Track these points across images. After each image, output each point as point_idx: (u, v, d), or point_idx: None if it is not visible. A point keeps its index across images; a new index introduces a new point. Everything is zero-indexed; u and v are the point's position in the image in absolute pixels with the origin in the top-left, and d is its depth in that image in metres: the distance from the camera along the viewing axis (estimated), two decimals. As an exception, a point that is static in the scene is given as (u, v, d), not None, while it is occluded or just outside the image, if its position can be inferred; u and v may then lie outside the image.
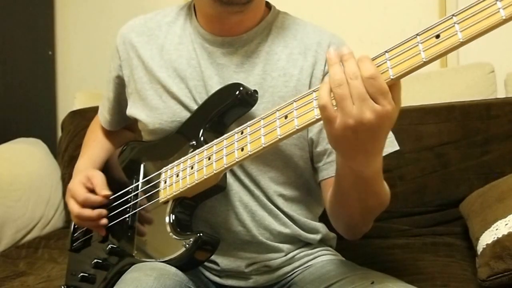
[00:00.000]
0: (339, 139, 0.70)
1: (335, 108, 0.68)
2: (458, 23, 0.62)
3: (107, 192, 1.01)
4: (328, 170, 0.96)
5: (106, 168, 1.15)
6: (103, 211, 1.01)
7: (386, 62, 0.68)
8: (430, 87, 1.59)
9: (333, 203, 0.90)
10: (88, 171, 1.06)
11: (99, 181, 1.03)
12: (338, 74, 0.68)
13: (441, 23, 0.64)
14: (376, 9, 1.85)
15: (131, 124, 1.22)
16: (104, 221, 1.01)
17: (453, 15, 0.63)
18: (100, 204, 1.01)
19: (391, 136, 0.94)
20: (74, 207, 1.01)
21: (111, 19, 2.24)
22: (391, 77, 0.67)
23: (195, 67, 1.00)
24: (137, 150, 1.08)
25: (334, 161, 0.94)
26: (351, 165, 0.76)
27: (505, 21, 0.59)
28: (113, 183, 1.08)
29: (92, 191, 1.02)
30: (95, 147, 1.18)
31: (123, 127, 1.22)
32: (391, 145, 0.94)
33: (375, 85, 0.66)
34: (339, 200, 0.87)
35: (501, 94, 1.63)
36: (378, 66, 0.68)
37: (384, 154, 0.88)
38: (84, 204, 1.00)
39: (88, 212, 1.00)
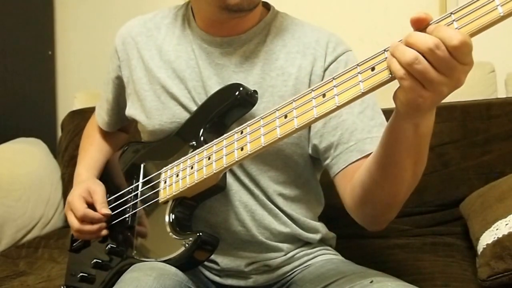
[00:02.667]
0: (422, 106, 0.65)
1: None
2: (456, 21, 0.62)
3: (106, 211, 1.01)
4: (338, 163, 0.93)
5: (106, 168, 1.15)
6: (103, 225, 1.02)
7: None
8: (431, 87, 1.59)
9: (374, 183, 0.82)
10: (90, 184, 1.06)
11: (100, 197, 1.03)
12: (408, 52, 0.62)
13: (439, 21, 0.64)
14: (376, 9, 1.85)
15: (127, 125, 1.22)
16: (104, 232, 1.02)
17: (451, 13, 0.63)
18: (99, 220, 1.01)
19: None
20: (74, 222, 1.01)
21: (111, 19, 2.23)
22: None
23: (193, 67, 1.00)
24: (137, 150, 1.08)
25: (342, 152, 0.92)
26: (418, 119, 0.70)
27: (502, 18, 0.59)
28: (113, 184, 1.09)
29: (91, 205, 1.02)
30: (93, 150, 1.18)
31: (118, 128, 1.22)
32: None
33: (464, 52, 0.61)
34: (387, 175, 0.79)
35: (501, 94, 1.63)
36: (378, 65, 0.67)
37: None
38: (83, 220, 1.01)
39: (88, 227, 1.01)
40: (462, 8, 0.62)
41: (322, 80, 0.97)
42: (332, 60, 0.98)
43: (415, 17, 0.64)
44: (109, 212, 1.01)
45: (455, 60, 0.61)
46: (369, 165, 0.82)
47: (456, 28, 0.62)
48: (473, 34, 0.61)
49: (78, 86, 2.29)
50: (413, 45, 0.62)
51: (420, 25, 0.64)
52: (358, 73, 0.70)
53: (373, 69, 0.68)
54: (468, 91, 1.56)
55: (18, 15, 2.18)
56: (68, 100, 2.23)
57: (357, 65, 0.70)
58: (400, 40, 0.65)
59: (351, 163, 0.91)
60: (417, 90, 0.63)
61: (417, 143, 0.74)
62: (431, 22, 0.64)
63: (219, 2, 0.92)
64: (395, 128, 0.74)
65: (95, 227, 1.01)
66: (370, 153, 0.85)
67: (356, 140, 0.92)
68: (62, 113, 2.27)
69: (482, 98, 1.54)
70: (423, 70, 0.61)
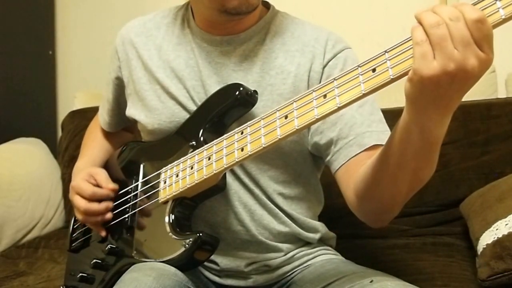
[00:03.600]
0: (428, 85, 0.63)
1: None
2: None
3: (113, 185, 1.01)
4: (338, 159, 0.93)
5: (106, 168, 1.15)
6: (110, 204, 1.01)
7: (386, 62, 0.67)
8: (431, 87, 1.59)
9: (375, 181, 0.81)
10: (90, 169, 1.06)
11: (103, 177, 1.03)
12: (433, 16, 0.62)
13: None
14: (377, 9, 1.85)
15: (130, 125, 1.22)
16: (109, 214, 1.01)
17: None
18: (107, 197, 1.01)
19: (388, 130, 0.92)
20: (81, 203, 1.00)
21: (111, 18, 2.23)
22: (391, 76, 0.65)
23: (193, 67, 1.00)
24: (136, 150, 1.08)
25: (342, 147, 0.92)
26: (425, 123, 0.69)
27: (504, 20, 0.59)
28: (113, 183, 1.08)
29: (96, 187, 1.02)
30: (95, 147, 1.18)
31: (122, 128, 1.22)
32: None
33: (482, 30, 0.60)
34: (389, 174, 0.78)
35: (501, 94, 1.63)
36: (378, 66, 0.67)
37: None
38: (92, 199, 1.00)
39: (95, 206, 1.00)
40: None
41: (321, 77, 0.97)
42: (330, 57, 0.98)
43: None
44: (115, 186, 1.02)
45: (471, 37, 0.61)
46: (373, 162, 0.81)
47: None
48: None
49: (79, 86, 2.29)
50: (438, 13, 0.62)
51: None
52: (359, 74, 0.70)
53: (374, 70, 0.68)
54: (469, 91, 1.56)
55: (19, 15, 2.18)
56: (69, 100, 2.23)
57: (358, 66, 0.70)
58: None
59: (351, 158, 0.91)
60: (427, 58, 0.62)
61: (422, 148, 0.72)
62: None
63: (217, 5, 0.92)
64: (401, 129, 0.73)
65: (102, 206, 1.00)
66: (370, 147, 0.85)
67: (355, 134, 0.91)
68: (62, 113, 2.27)
69: (482, 98, 1.54)
70: (441, 35, 0.61)
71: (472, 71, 0.61)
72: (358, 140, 0.91)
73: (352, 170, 0.89)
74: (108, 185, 1.01)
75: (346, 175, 0.91)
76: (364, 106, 0.93)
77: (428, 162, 0.76)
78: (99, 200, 1.01)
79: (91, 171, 1.05)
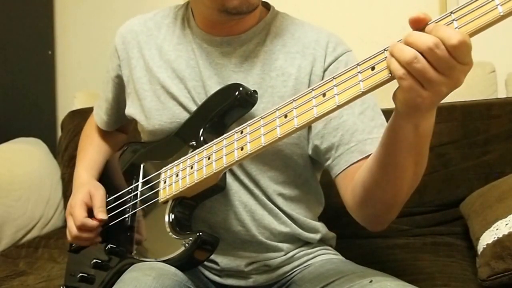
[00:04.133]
0: (421, 106, 0.64)
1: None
2: (456, 20, 0.62)
3: (103, 216, 1.01)
4: (339, 164, 0.93)
5: (106, 169, 1.15)
6: (99, 230, 1.02)
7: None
8: (431, 87, 1.59)
9: (375, 183, 0.82)
10: (91, 188, 1.06)
11: (98, 202, 1.03)
12: (407, 51, 0.61)
13: (439, 20, 0.64)
14: (376, 9, 1.85)
15: (125, 125, 1.23)
16: (98, 239, 1.03)
17: (451, 12, 0.63)
18: (97, 228, 1.02)
19: None
20: (72, 229, 1.02)
21: (110, 18, 2.23)
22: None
23: (193, 67, 1.00)
24: (137, 150, 1.08)
25: (343, 153, 0.92)
26: (417, 120, 0.70)
27: (502, 17, 0.59)
28: (113, 184, 1.09)
29: (91, 209, 1.03)
30: (92, 151, 1.17)
31: (116, 129, 1.22)
32: None
33: (464, 51, 0.60)
34: (388, 175, 0.79)
35: (501, 94, 1.63)
36: (377, 64, 0.67)
37: None
38: (81, 229, 1.01)
39: (85, 235, 1.01)
40: (462, 8, 0.62)
41: (321, 80, 0.97)
42: (332, 61, 0.98)
43: (413, 17, 0.64)
44: (105, 217, 1.01)
45: (454, 60, 0.61)
46: (370, 165, 0.82)
47: (456, 28, 0.62)
48: (473, 34, 0.62)
49: (78, 86, 2.29)
50: (412, 44, 0.62)
51: (419, 25, 0.64)
52: (358, 72, 0.70)
53: (373, 68, 0.68)
54: (469, 91, 1.56)
55: (18, 14, 2.18)
56: (68, 100, 2.23)
57: (357, 64, 0.70)
58: (400, 40, 0.65)
59: (352, 164, 0.91)
60: (416, 90, 0.63)
61: (417, 143, 0.74)
62: (429, 22, 0.64)
63: (217, 5, 0.92)
64: (395, 128, 0.74)
65: (92, 235, 1.02)
66: (370, 154, 0.85)
67: (357, 141, 0.92)
68: (62, 113, 2.27)
69: (482, 98, 1.54)
70: (422, 69, 0.61)
71: (461, 82, 0.64)
72: (360, 147, 0.91)
73: (351, 176, 0.90)
74: (98, 214, 1.01)
75: (345, 180, 0.92)
76: (366, 112, 0.94)
77: (421, 157, 0.77)
78: (90, 230, 1.02)
79: (90, 191, 1.05)
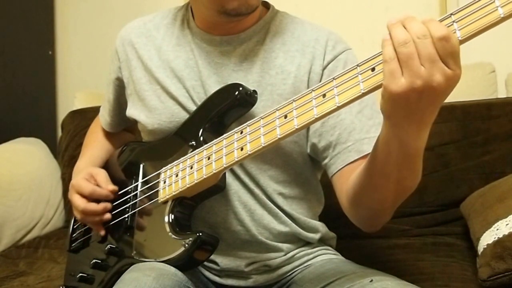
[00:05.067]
0: (398, 101, 0.66)
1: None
2: (456, 22, 0.62)
3: (112, 187, 1.01)
4: (336, 163, 0.94)
5: (105, 168, 1.15)
6: (108, 205, 1.01)
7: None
8: (431, 87, 1.59)
9: (364, 189, 0.84)
10: (91, 169, 1.06)
11: (103, 177, 1.03)
12: (402, 33, 0.64)
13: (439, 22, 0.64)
14: (377, 9, 1.85)
15: (131, 126, 1.22)
16: (108, 215, 1.01)
17: (451, 14, 0.63)
18: (106, 198, 1.01)
19: None
20: (80, 202, 1.00)
21: (111, 18, 2.24)
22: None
23: (192, 67, 1.00)
24: (136, 150, 1.08)
25: (340, 152, 0.93)
26: (402, 137, 0.71)
27: (503, 19, 0.59)
28: (113, 183, 1.08)
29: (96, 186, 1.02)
30: (95, 147, 1.18)
31: (123, 129, 1.22)
32: None
33: (446, 47, 0.62)
34: (374, 183, 0.81)
35: (502, 94, 1.63)
36: (378, 65, 0.67)
37: None
38: (91, 197, 1.00)
39: (93, 206, 1.00)
40: (463, 9, 0.62)
41: (321, 78, 0.97)
42: (331, 59, 0.98)
43: None
44: (115, 187, 1.01)
45: (437, 54, 0.63)
46: (360, 170, 0.83)
47: (456, 29, 0.62)
48: (473, 36, 0.62)
49: (78, 86, 2.29)
50: (408, 29, 0.65)
51: None
52: (358, 73, 0.70)
53: (373, 69, 0.69)
54: (469, 91, 1.56)
55: (18, 15, 2.18)
56: (68, 100, 2.23)
57: (357, 65, 0.70)
58: (398, 21, 0.67)
59: (349, 163, 0.92)
60: (395, 75, 0.64)
61: (403, 159, 0.75)
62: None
63: (217, 7, 0.92)
64: (382, 141, 0.75)
65: (100, 206, 1.00)
66: (368, 154, 0.85)
67: (354, 140, 0.92)
68: (62, 113, 2.27)
69: (482, 98, 1.54)
70: (408, 53, 0.63)
71: (438, 87, 0.63)
72: (357, 146, 0.91)
73: (347, 176, 0.90)
74: (108, 186, 1.01)
75: (341, 180, 0.92)
76: (364, 111, 0.94)
77: (410, 172, 0.78)
78: (98, 200, 1.01)
79: (91, 171, 1.05)
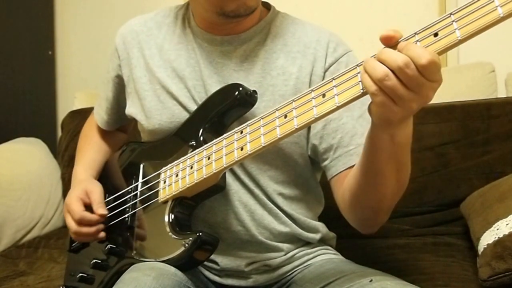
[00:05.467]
0: (393, 120, 0.68)
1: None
2: (456, 21, 0.62)
3: (103, 211, 1.01)
4: (337, 166, 0.94)
5: (106, 169, 1.15)
6: (101, 226, 1.02)
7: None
8: (431, 87, 1.59)
9: (361, 188, 0.85)
10: (87, 184, 1.06)
11: (97, 197, 1.02)
12: (379, 68, 0.64)
13: (439, 22, 0.64)
14: (376, 9, 1.85)
15: (125, 125, 1.22)
16: (101, 235, 1.02)
17: (451, 13, 0.63)
18: (97, 222, 1.01)
19: None
20: (72, 225, 1.01)
21: (111, 18, 2.23)
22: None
23: (194, 66, 1.00)
24: (136, 150, 1.08)
25: (342, 155, 0.93)
26: (393, 133, 0.73)
27: (502, 18, 0.59)
28: (113, 184, 1.08)
29: (89, 206, 1.02)
30: (91, 150, 1.17)
31: (116, 128, 1.22)
32: None
33: (433, 70, 0.63)
34: (372, 181, 0.82)
35: (501, 93, 1.63)
36: None
37: None
38: (80, 223, 1.00)
39: (85, 229, 1.01)
40: (462, 9, 0.62)
41: (322, 80, 0.97)
42: (332, 62, 0.98)
43: (384, 34, 0.67)
44: (105, 212, 1.01)
45: (423, 78, 0.64)
46: (355, 171, 0.85)
47: (456, 29, 0.62)
48: (473, 35, 0.62)
49: (78, 86, 2.29)
50: (384, 62, 0.65)
51: (390, 42, 0.67)
52: (358, 73, 0.70)
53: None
54: (468, 91, 1.56)
55: (18, 15, 2.18)
56: (68, 100, 2.23)
57: (357, 65, 0.71)
58: (374, 55, 0.67)
59: (349, 167, 0.92)
60: (388, 105, 0.66)
61: (395, 151, 0.76)
62: (400, 40, 0.66)
63: (216, 8, 0.93)
64: (373, 138, 0.76)
65: (92, 229, 1.01)
66: None
67: (356, 144, 0.93)
68: (62, 113, 2.27)
69: (482, 98, 1.54)
70: (392, 86, 0.64)
71: (431, 98, 0.66)
72: (359, 150, 0.91)
73: (344, 179, 0.91)
74: (98, 209, 1.01)
75: (339, 183, 0.93)
76: (365, 115, 0.93)
77: (402, 163, 0.80)
78: (89, 224, 1.01)
79: (86, 188, 1.04)
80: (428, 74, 0.63)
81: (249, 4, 0.92)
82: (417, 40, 0.65)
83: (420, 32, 0.65)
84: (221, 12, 0.92)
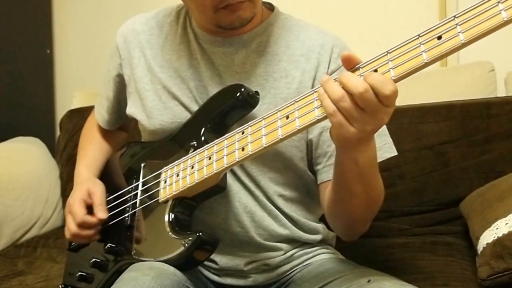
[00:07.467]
0: (350, 140, 0.72)
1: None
2: (460, 25, 0.62)
3: (103, 214, 1.01)
4: (328, 173, 0.96)
5: (106, 168, 1.15)
6: (99, 228, 1.02)
7: (388, 63, 0.67)
8: (430, 86, 1.59)
9: (334, 202, 0.90)
10: (90, 185, 1.05)
11: (98, 199, 1.02)
12: (337, 90, 0.69)
13: (442, 25, 0.64)
14: (376, 8, 1.85)
15: (126, 124, 1.22)
16: (97, 237, 1.03)
17: (454, 16, 0.63)
18: (96, 225, 1.01)
19: (389, 141, 0.96)
20: (72, 226, 1.01)
21: (109, 17, 2.23)
22: (393, 77, 0.67)
23: (196, 67, 1.00)
24: (138, 150, 1.08)
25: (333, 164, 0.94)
26: (355, 156, 0.77)
27: (506, 22, 0.60)
28: (113, 183, 1.08)
29: (91, 206, 1.02)
30: (93, 149, 1.17)
31: (117, 127, 1.21)
32: (389, 150, 0.95)
33: (393, 99, 0.67)
34: (342, 198, 0.87)
35: (501, 93, 1.63)
36: (380, 67, 0.68)
37: (381, 159, 0.91)
38: (81, 226, 1.00)
39: (85, 232, 1.01)
40: (466, 12, 0.62)
41: None
42: (335, 68, 0.98)
43: (345, 55, 0.71)
44: (105, 216, 1.01)
45: (381, 104, 0.67)
46: (330, 186, 0.89)
47: (460, 32, 0.62)
48: (476, 39, 0.62)
49: (77, 85, 2.29)
50: (344, 85, 0.69)
51: (350, 64, 0.71)
52: (360, 75, 0.70)
53: (375, 71, 0.69)
54: (468, 90, 1.56)
55: (16, 14, 2.18)
56: (67, 99, 2.23)
57: (359, 67, 0.71)
58: (336, 78, 0.71)
59: None
60: (345, 126, 0.70)
61: (361, 173, 0.80)
62: (359, 65, 0.70)
63: (212, 21, 0.93)
64: (339, 161, 0.81)
65: (91, 232, 1.01)
66: None
67: None
68: (60, 112, 2.26)
69: (481, 97, 1.53)
70: (348, 108, 0.68)
71: (385, 122, 0.71)
72: None
73: None
74: (98, 212, 1.01)
75: (325, 189, 0.95)
76: None
77: (370, 183, 0.84)
78: (89, 227, 1.01)
79: (89, 189, 1.04)
80: (387, 102, 0.67)
81: (244, 16, 0.91)
82: (421, 43, 0.65)
83: (423, 35, 0.65)
84: (218, 25, 0.93)
